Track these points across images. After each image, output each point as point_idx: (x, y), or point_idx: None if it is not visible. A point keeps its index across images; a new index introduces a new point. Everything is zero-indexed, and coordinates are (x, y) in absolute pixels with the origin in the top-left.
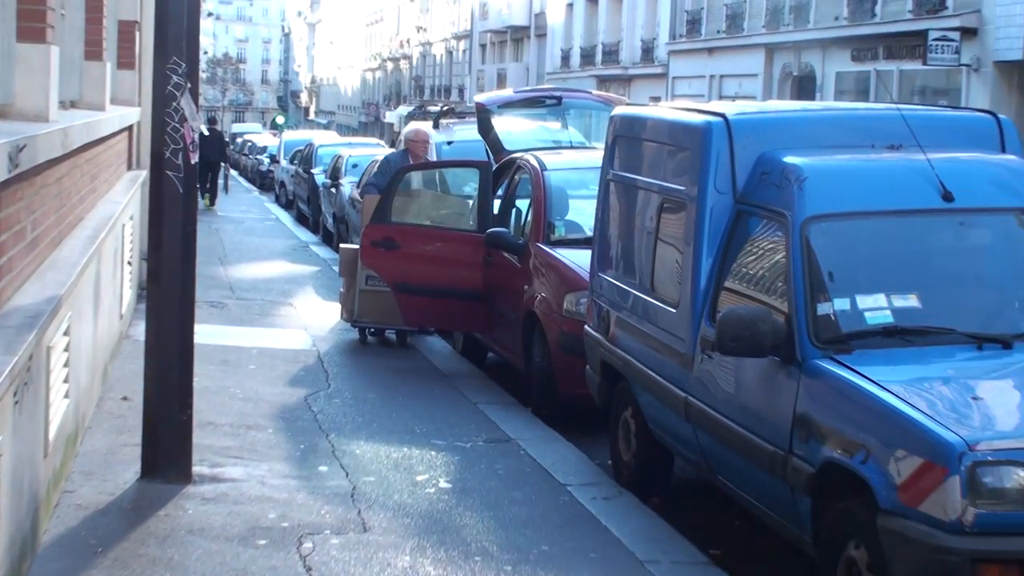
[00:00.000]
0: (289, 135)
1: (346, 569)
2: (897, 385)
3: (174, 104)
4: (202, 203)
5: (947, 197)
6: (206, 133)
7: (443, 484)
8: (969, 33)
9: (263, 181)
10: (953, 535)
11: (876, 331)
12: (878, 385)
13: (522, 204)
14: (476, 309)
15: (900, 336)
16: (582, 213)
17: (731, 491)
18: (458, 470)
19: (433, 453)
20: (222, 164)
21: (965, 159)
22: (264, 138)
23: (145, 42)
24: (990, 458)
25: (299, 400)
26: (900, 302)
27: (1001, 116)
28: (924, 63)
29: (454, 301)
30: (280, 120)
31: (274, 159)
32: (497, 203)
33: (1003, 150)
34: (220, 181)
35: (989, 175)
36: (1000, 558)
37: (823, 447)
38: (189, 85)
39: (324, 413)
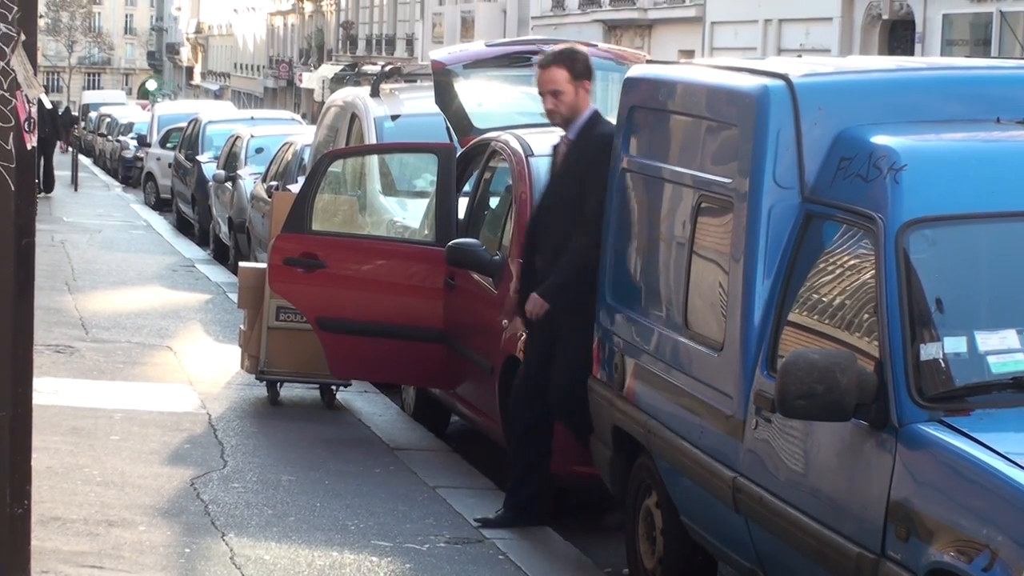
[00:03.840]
0: (165, 108)
1: None
2: None
3: (2, 64)
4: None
5: None
6: (48, 105)
7: None
8: None
9: (128, 173)
10: None
11: (1005, 383)
12: (1008, 460)
13: (499, 205)
14: (434, 354)
15: None
16: None
17: None
18: None
19: (375, 559)
20: (69, 148)
21: None
22: (130, 111)
23: None
24: None
25: (183, 485)
26: None
27: None
28: None
29: (403, 343)
30: (152, 86)
31: (144, 141)
32: (463, 203)
33: None
34: (64, 173)
35: None
36: None
37: (929, 548)
38: (23, 37)
39: (219, 503)
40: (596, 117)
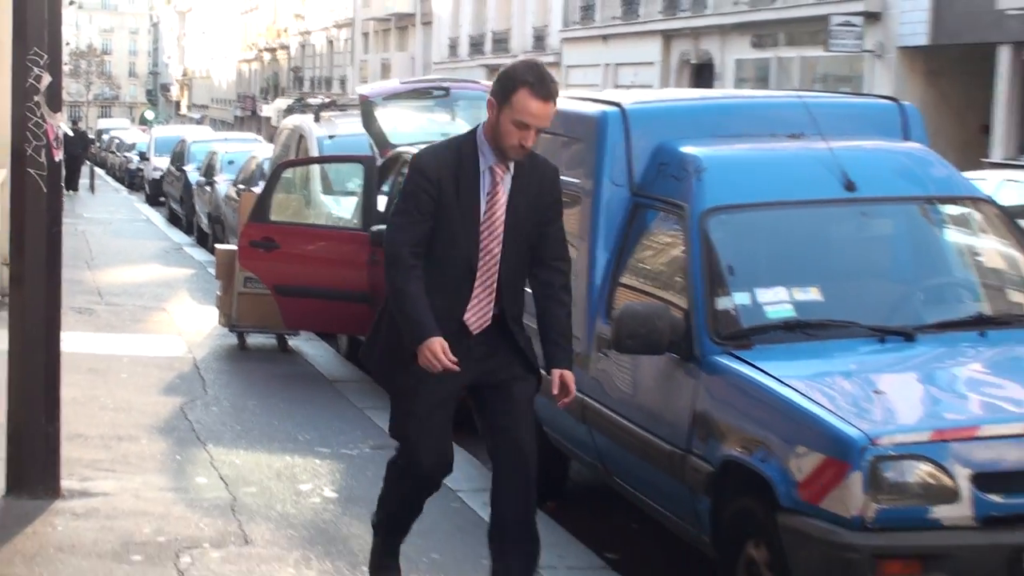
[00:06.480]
0: (160, 131)
1: None
2: (798, 380)
3: (36, 98)
4: (67, 192)
5: (849, 187)
6: (70, 133)
7: (328, 493)
8: (872, 18)
9: (132, 180)
10: (855, 531)
11: (777, 325)
12: (778, 380)
13: None
14: (361, 311)
15: (801, 330)
16: None
17: (629, 494)
18: (344, 478)
19: (317, 462)
20: (86, 161)
21: (868, 147)
22: (133, 134)
23: (2, 32)
24: (892, 453)
25: (174, 409)
26: (802, 295)
27: (904, 103)
28: (826, 49)
29: (338, 303)
30: (150, 116)
31: (144, 156)
32: (383, 200)
33: (906, 137)
34: (85, 180)
35: (892, 164)
36: (902, 553)
37: (722, 445)
38: (51, 78)
39: (201, 422)
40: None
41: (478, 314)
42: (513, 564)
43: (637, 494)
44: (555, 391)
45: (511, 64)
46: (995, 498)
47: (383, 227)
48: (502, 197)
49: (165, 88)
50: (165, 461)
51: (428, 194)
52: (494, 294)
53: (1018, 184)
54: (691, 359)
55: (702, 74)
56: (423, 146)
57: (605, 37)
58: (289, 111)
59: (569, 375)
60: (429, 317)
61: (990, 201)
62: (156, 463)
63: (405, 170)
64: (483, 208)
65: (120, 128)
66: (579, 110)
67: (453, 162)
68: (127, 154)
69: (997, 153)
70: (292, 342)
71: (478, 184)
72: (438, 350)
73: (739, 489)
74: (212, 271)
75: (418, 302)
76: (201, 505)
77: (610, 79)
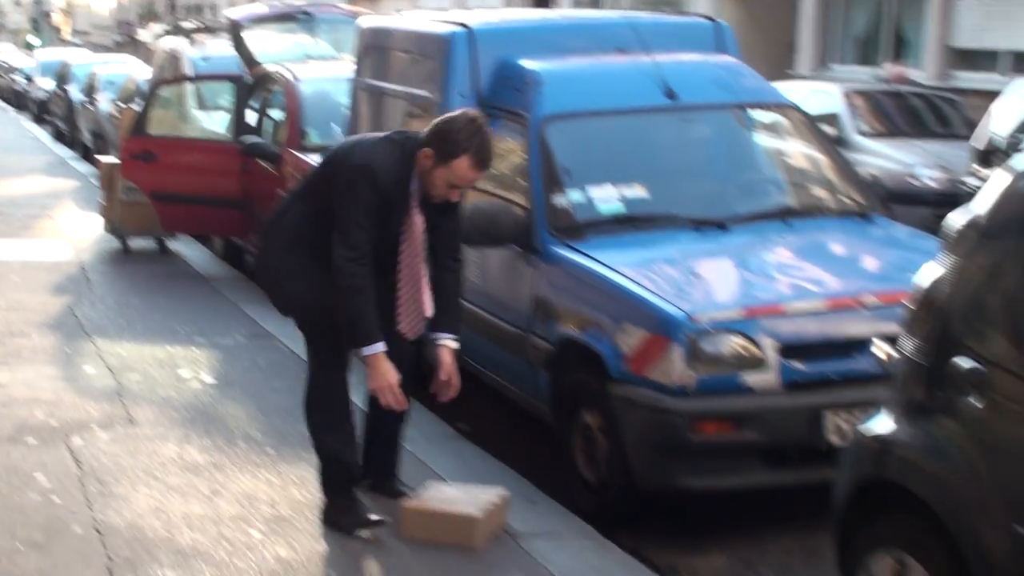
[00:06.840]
0: (43, 54)
1: (115, 461)
2: (626, 267)
3: None
4: None
5: (670, 95)
6: None
7: (206, 379)
8: None
9: (19, 101)
10: (676, 398)
11: (608, 219)
12: (609, 267)
13: (277, 115)
14: (233, 216)
15: (629, 223)
16: (335, 122)
17: (479, 371)
18: (221, 365)
19: (196, 351)
20: None
21: (687, 60)
22: (18, 58)
23: None
24: (708, 328)
25: (63, 307)
26: (629, 192)
27: (719, 21)
28: None
29: (212, 208)
30: (35, 42)
31: (29, 78)
32: (252, 115)
33: (721, 52)
34: None
35: (708, 74)
36: (717, 416)
37: (560, 326)
38: None
39: (88, 318)
40: None
41: (411, 321)
42: (386, 440)
43: (486, 372)
44: (443, 377)
45: (454, 120)
46: (798, 366)
47: (253, 139)
48: (417, 217)
49: (48, 15)
50: (55, 354)
51: (371, 202)
52: (424, 304)
53: (820, 94)
54: (532, 251)
55: None
56: (287, 64)
57: None
58: (165, 35)
59: (455, 371)
60: (376, 323)
61: (796, 108)
62: (47, 356)
63: (273, 87)
64: (402, 227)
65: (6, 53)
66: (430, 30)
67: (395, 177)
68: (13, 76)
69: (802, 66)
70: (171, 245)
71: (406, 205)
72: (397, 388)
73: (575, 364)
74: (96, 182)
75: (369, 302)
76: (90, 392)
77: (458, 2)
